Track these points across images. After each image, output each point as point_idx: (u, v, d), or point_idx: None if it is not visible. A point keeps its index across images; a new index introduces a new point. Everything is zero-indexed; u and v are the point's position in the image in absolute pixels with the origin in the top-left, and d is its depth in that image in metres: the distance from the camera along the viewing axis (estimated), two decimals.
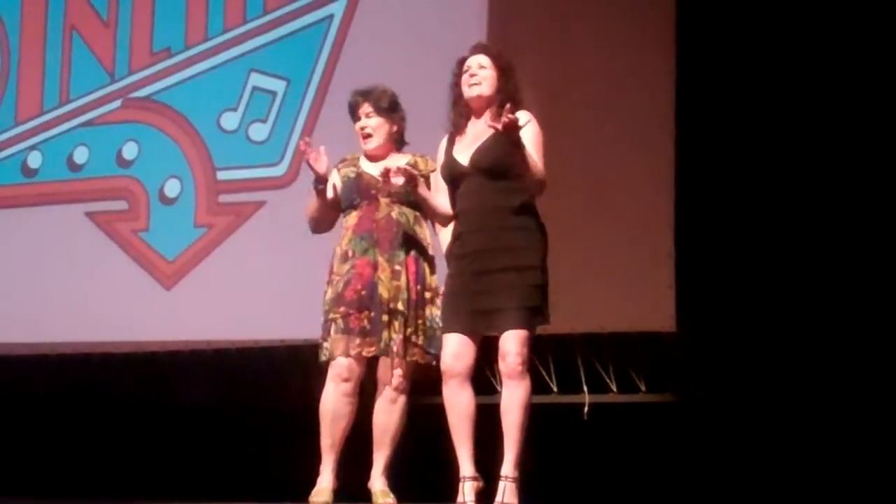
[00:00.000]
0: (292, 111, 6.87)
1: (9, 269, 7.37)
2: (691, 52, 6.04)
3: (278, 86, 6.94)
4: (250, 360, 6.92)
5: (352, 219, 4.67)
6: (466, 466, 4.25)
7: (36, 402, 7.45)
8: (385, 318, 4.52)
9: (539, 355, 5.82)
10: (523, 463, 4.22)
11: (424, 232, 4.69)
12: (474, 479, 4.26)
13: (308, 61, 6.86)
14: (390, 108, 4.71)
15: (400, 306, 4.53)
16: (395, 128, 4.73)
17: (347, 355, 4.54)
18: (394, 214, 4.62)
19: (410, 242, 4.61)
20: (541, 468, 4.46)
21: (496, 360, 4.26)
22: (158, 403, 7.16)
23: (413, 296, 4.57)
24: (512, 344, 4.17)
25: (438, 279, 4.62)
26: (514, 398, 4.19)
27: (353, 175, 4.70)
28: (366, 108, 4.70)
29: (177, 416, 7.11)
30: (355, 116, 4.73)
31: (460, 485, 4.25)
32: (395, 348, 4.52)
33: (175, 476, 6.98)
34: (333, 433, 4.56)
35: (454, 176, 4.35)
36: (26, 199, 7.48)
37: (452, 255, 4.33)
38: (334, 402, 4.56)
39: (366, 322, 4.53)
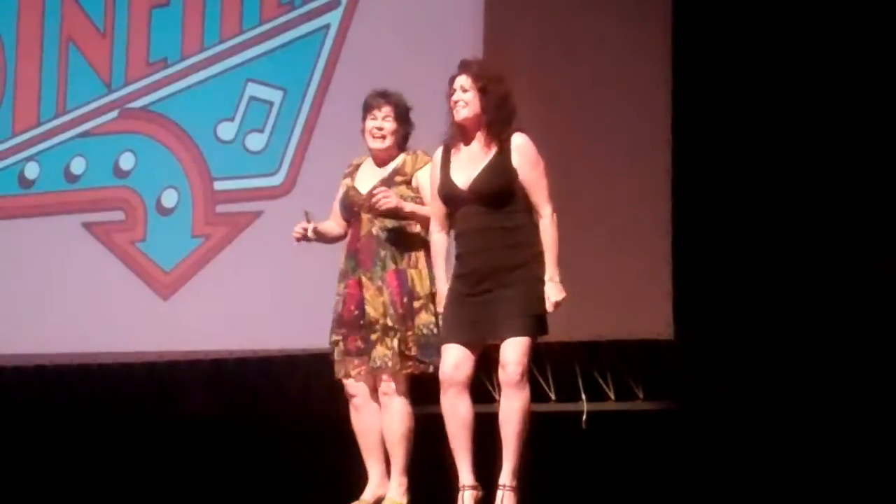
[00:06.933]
0: (289, 121, 6.87)
1: (6, 281, 7.36)
2: (687, 59, 6.04)
3: (275, 95, 6.94)
4: (248, 369, 6.91)
5: (346, 236, 4.73)
6: (466, 475, 4.26)
7: (33, 413, 7.44)
8: (375, 336, 4.56)
9: (537, 364, 5.82)
10: (522, 471, 4.22)
11: (407, 241, 4.65)
12: (473, 487, 4.27)
13: (305, 71, 6.85)
14: (406, 117, 4.73)
15: (390, 322, 4.55)
16: (404, 134, 4.73)
17: (349, 377, 4.64)
18: (374, 231, 4.62)
19: (389, 257, 4.61)
20: (539, 476, 4.46)
21: (495, 370, 4.28)
22: (156, 414, 7.15)
23: (400, 309, 4.56)
24: (512, 353, 4.18)
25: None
26: (512, 407, 4.20)
27: (344, 189, 4.73)
28: (386, 109, 4.68)
29: (175, 426, 7.10)
30: (370, 115, 4.70)
31: (459, 494, 4.26)
32: (389, 364, 4.54)
33: (174, 486, 6.97)
34: (367, 446, 4.67)
35: (453, 199, 4.36)
36: (23, 210, 7.47)
37: (453, 274, 4.35)
38: (353, 419, 4.69)
39: (360, 342, 4.59)
